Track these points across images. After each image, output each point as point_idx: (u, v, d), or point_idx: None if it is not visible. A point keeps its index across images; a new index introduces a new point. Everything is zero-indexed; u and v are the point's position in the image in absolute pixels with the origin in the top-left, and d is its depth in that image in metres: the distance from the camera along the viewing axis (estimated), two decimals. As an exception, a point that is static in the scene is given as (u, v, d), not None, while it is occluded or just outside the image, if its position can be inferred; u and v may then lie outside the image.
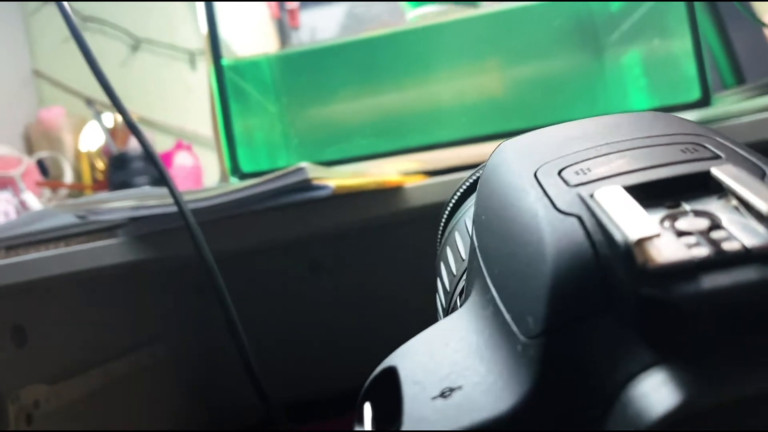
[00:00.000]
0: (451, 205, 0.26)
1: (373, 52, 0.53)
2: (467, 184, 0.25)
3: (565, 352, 0.12)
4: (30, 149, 1.01)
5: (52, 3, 1.14)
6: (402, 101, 0.53)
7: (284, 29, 0.66)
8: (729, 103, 0.46)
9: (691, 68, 0.44)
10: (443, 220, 0.26)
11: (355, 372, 0.65)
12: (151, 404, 0.62)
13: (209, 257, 0.40)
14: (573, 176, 0.14)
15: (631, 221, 0.12)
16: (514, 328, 0.13)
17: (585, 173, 0.14)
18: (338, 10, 0.67)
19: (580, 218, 0.13)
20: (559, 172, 0.15)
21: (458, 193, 0.26)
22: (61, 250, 0.44)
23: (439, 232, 0.27)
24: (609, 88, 0.50)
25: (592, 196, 0.13)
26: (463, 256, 0.22)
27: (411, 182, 0.43)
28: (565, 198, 0.14)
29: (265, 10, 0.64)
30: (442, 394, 0.13)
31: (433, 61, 0.52)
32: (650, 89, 0.49)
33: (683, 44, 0.44)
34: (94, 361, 0.54)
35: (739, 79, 0.56)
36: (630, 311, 0.12)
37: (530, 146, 0.16)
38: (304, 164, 0.39)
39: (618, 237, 0.12)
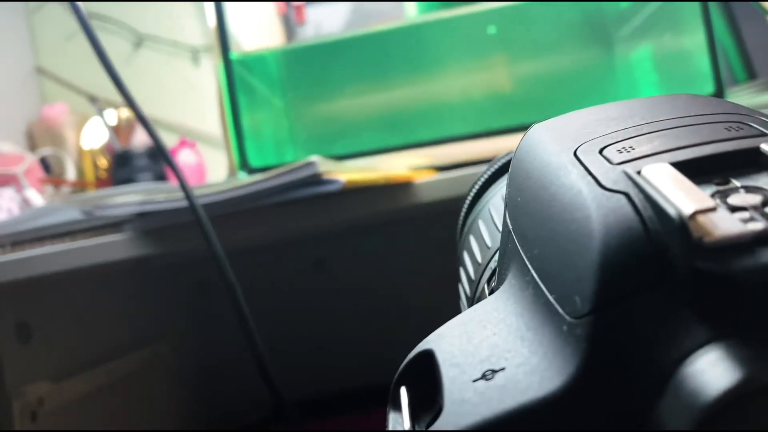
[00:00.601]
0: (472, 194, 0.25)
1: (380, 47, 0.52)
2: (489, 173, 0.25)
3: (616, 330, 0.12)
4: (33, 146, 1.01)
5: (57, 1, 1.14)
6: (410, 96, 0.52)
7: (290, 25, 0.66)
8: (741, 98, 0.45)
9: (704, 63, 0.44)
10: (464, 210, 0.26)
11: (359, 371, 0.64)
12: (155, 402, 0.61)
13: (221, 252, 0.39)
14: (616, 154, 0.14)
15: (684, 196, 0.12)
16: (559, 308, 0.13)
17: (628, 151, 0.14)
18: (344, 6, 0.66)
19: (627, 195, 0.13)
20: (601, 151, 0.14)
21: (480, 183, 0.25)
22: (67, 245, 0.43)
23: (460, 223, 0.26)
24: (619, 82, 0.50)
25: (638, 173, 0.13)
26: (489, 244, 0.22)
27: (421, 178, 0.43)
28: (609, 175, 0.13)
29: (271, 7, 0.64)
30: (484, 376, 0.13)
31: (441, 56, 0.52)
32: (661, 84, 0.49)
33: (696, 39, 0.44)
34: (97, 359, 0.54)
35: (751, 74, 0.55)
36: (684, 287, 0.11)
37: (566, 127, 0.16)
38: (314, 158, 0.38)
39: (671, 211, 0.11)
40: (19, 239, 0.49)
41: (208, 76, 1.08)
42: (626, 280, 0.12)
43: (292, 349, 0.69)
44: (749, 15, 0.54)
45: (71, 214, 0.49)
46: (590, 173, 0.14)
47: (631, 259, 0.12)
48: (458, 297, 0.24)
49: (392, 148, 0.51)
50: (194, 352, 0.69)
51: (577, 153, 0.15)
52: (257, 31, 0.61)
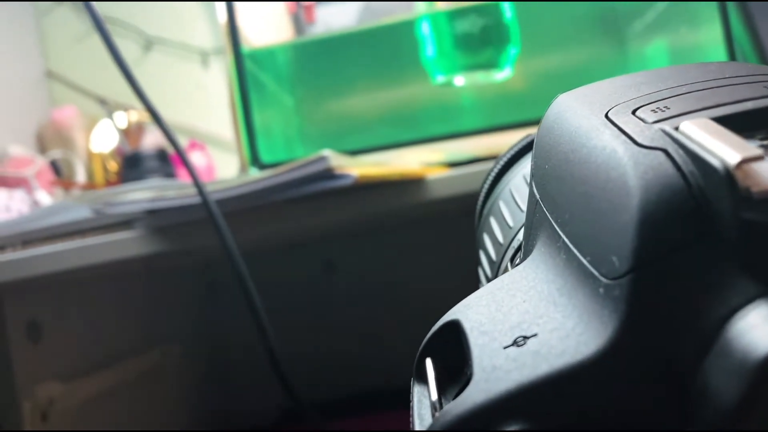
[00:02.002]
0: (492, 176, 0.25)
1: (390, 40, 0.52)
2: (509, 155, 0.24)
3: (656, 288, 0.11)
4: (43, 149, 1.01)
5: (65, 3, 1.15)
6: (421, 90, 0.52)
7: (300, 24, 0.65)
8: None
9: (720, 58, 0.43)
10: (483, 193, 0.25)
11: (366, 373, 0.63)
12: (165, 403, 0.61)
13: (234, 249, 0.39)
14: (650, 114, 0.13)
15: (728, 146, 0.11)
16: (594, 270, 0.12)
17: (663, 111, 0.13)
18: (354, 6, 0.66)
19: (665, 151, 0.12)
20: (634, 112, 0.14)
21: (500, 165, 0.25)
22: (78, 242, 0.43)
23: (479, 206, 0.26)
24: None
25: (676, 129, 0.12)
26: (511, 224, 0.21)
27: (433, 173, 0.43)
28: (645, 134, 0.13)
29: (281, 6, 0.64)
30: (515, 343, 0.12)
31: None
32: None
33: (712, 34, 0.44)
34: (108, 359, 0.53)
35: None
36: (730, 241, 0.11)
37: (594, 93, 0.16)
38: (326, 152, 0.38)
39: (715, 163, 0.11)
40: (29, 238, 0.49)
41: (218, 79, 1.08)
42: (667, 237, 0.11)
43: (300, 351, 0.68)
44: (765, 11, 0.54)
45: (81, 212, 0.49)
46: (624, 133, 0.13)
47: (672, 214, 0.11)
48: (478, 281, 0.24)
49: (403, 143, 0.50)
50: (204, 353, 0.68)
51: (609, 115, 0.14)
52: (267, 30, 0.61)
